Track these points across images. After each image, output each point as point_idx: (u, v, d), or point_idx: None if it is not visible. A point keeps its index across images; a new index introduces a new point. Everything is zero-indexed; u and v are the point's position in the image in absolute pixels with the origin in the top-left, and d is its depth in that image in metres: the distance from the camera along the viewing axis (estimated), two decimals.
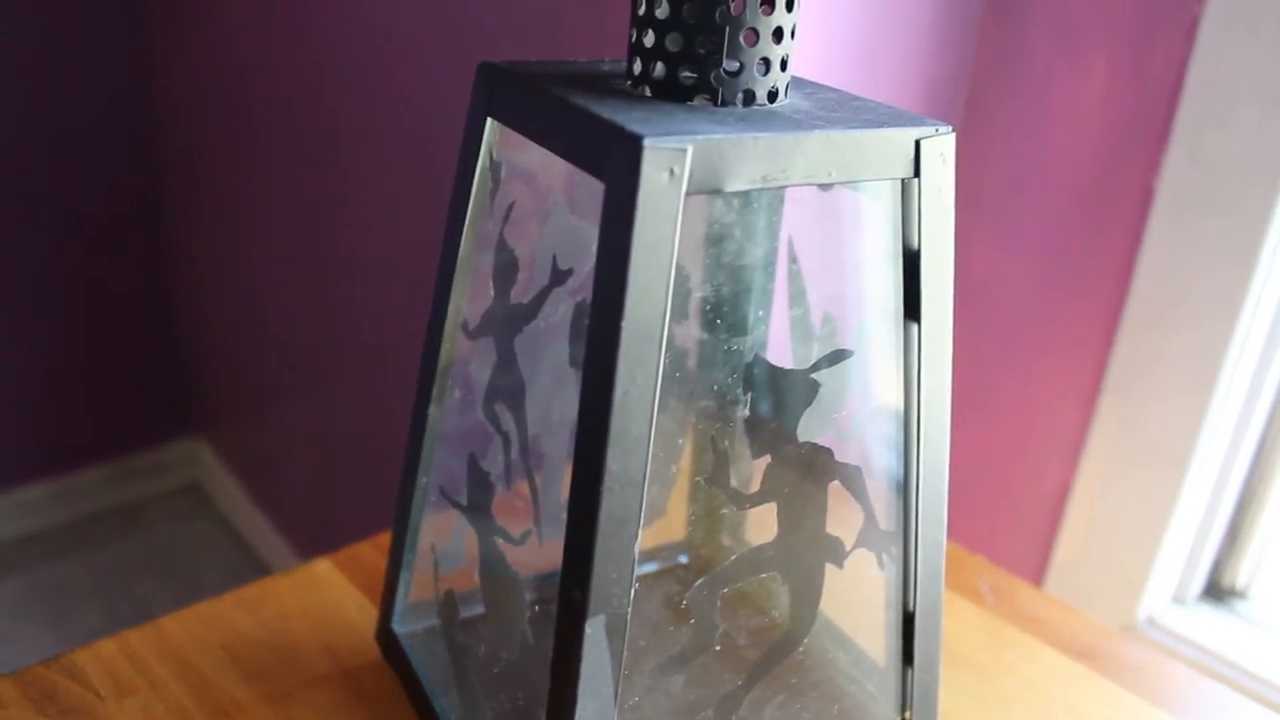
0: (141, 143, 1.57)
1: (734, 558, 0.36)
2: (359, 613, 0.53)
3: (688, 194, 0.31)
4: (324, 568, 0.56)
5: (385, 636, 0.49)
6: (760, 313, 0.35)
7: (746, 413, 0.35)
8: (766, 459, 0.36)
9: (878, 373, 0.39)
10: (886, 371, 0.39)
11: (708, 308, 0.34)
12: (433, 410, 0.43)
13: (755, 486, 0.36)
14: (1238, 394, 0.72)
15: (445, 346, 0.42)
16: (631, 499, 0.32)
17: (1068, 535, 0.79)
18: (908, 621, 0.43)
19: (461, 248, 0.41)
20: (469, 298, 0.41)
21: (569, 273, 0.35)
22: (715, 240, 0.33)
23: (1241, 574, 0.78)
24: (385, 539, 0.57)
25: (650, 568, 0.49)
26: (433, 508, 0.45)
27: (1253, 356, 0.71)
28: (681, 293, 0.33)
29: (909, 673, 0.44)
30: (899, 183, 0.37)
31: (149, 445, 1.71)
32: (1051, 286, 0.77)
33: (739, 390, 0.35)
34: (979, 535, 0.85)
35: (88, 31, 1.48)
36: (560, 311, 0.36)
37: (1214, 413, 0.72)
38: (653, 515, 0.45)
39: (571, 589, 0.33)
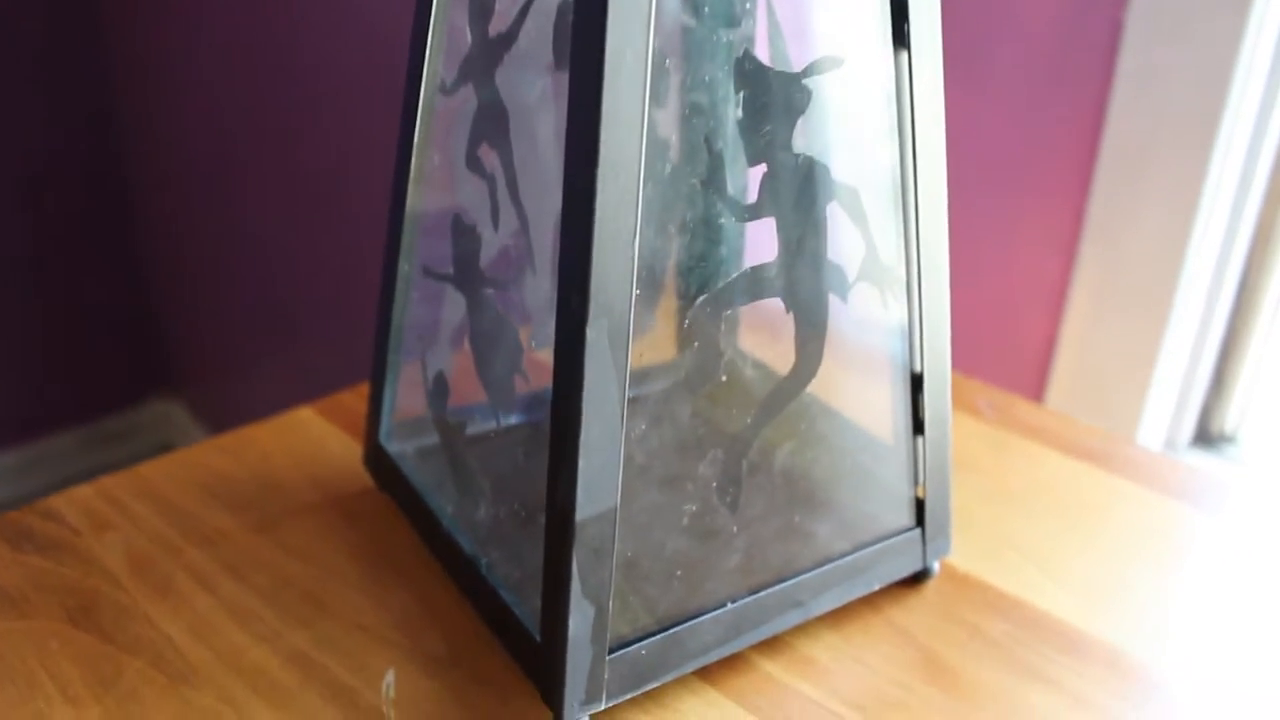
0: (100, 99, 1.54)
1: (735, 275, 0.35)
2: (344, 449, 0.52)
3: None
4: (306, 414, 0.54)
5: (373, 454, 0.47)
6: (748, 6, 0.34)
7: (740, 114, 0.34)
8: (762, 168, 0.35)
9: (870, 102, 0.38)
10: (878, 103, 0.38)
11: None
12: (411, 190, 0.42)
13: (753, 198, 0.35)
14: (1215, 234, 0.72)
15: (421, 117, 0.41)
16: (627, 188, 0.31)
17: (1056, 386, 0.78)
18: (916, 384, 0.42)
19: (435, 6, 0.39)
20: (444, 58, 0.40)
21: None
22: None
23: (1230, 419, 0.77)
24: (366, 387, 0.55)
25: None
26: (417, 300, 0.43)
27: (1229, 194, 0.71)
28: None
29: (919, 443, 0.43)
30: None
31: (121, 408, 1.68)
32: (1026, 136, 0.76)
33: (730, 87, 0.34)
34: None
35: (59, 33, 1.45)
36: (541, 26, 0.35)
37: (1192, 255, 0.72)
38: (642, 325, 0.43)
39: (570, 295, 0.32)
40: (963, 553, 0.47)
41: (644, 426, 0.36)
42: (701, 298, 0.35)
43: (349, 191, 1.20)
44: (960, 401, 0.58)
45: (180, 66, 1.41)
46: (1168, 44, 0.69)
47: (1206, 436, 0.78)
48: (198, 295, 1.55)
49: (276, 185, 1.31)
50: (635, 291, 0.32)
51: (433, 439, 0.45)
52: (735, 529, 0.38)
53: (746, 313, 0.37)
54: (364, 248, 1.17)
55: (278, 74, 1.25)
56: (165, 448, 1.69)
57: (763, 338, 0.39)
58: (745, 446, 0.38)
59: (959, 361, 0.83)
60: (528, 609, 0.37)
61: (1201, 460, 0.76)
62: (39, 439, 1.62)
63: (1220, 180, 0.70)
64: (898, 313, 0.40)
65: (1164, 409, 0.76)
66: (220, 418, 1.61)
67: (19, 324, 1.54)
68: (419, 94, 0.40)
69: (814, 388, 0.38)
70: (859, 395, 0.42)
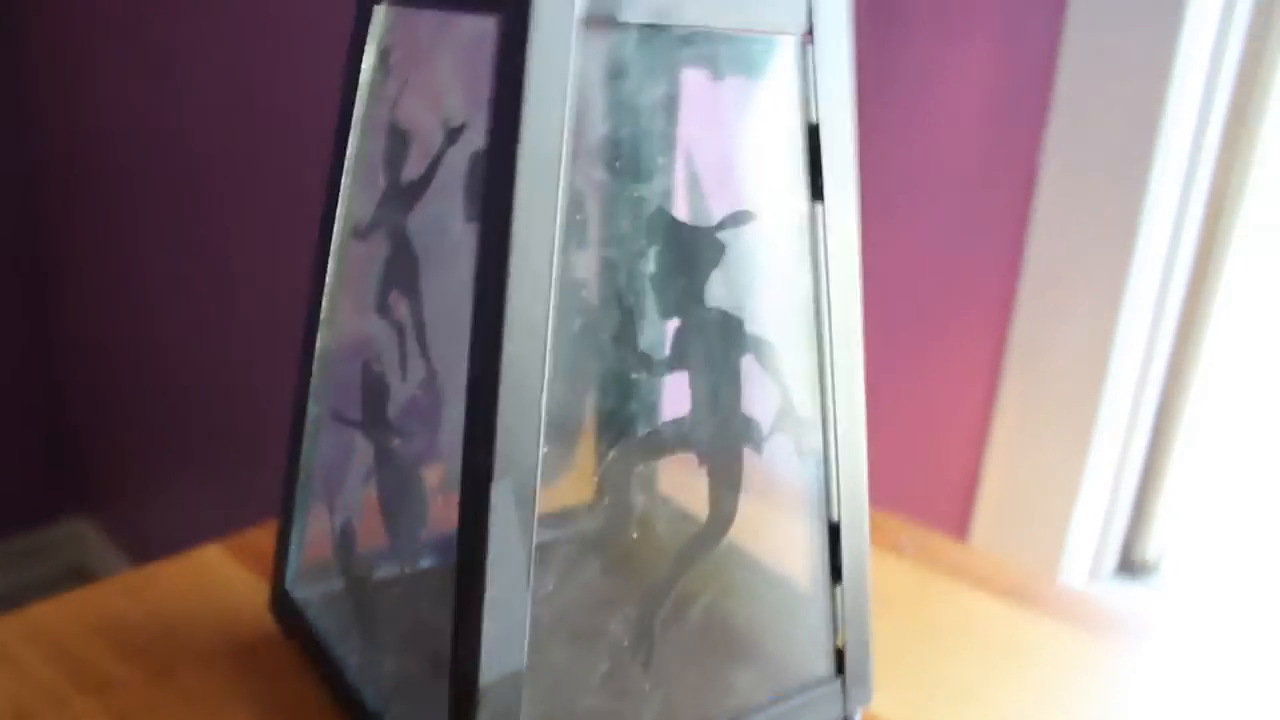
0: (19, 204, 1.51)
1: (646, 431, 0.35)
2: (251, 592, 0.50)
3: (581, 20, 0.30)
4: (213, 552, 0.52)
5: (279, 600, 0.45)
6: (661, 160, 0.34)
7: (653, 268, 0.34)
8: (676, 322, 0.34)
9: (785, 254, 0.38)
10: (793, 255, 0.38)
11: (607, 146, 0.33)
12: (321, 331, 0.41)
13: (666, 352, 0.35)
14: (1132, 362, 0.73)
15: (334, 259, 0.40)
16: (535, 344, 0.30)
17: (980, 518, 0.78)
18: (833, 533, 0.41)
19: (351, 148, 0.39)
20: (361, 202, 0.40)
21: (461, 129, 0.34)
22: (613, 76, 0.33)
23: (1152, 547, 0.78)
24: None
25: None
26: (325, 442, 0.42)
27: (1144, 324, 0.73)
28: (578, 133, 0.32)
29: (838, 591, 0.42)
30: (799, 61, 0.37)
31: (33, 525, 1.62)
32: (947, 271, 0.77)
33: (643, 243, 0.34)
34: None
35: None
36: (453, 177, 0.34)
37: (1110, 385, 0.73)
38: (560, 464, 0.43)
39: (475, 453, 0.31)
40: (885, 698, 0.46)
41: (552, 585, 0.35)
42: (611, 454, 0.34)
43: (277, 319, 1.19)
44: (882, 540, 0.58)
45: (99, 183, 1.40)
46: (1082, 179, 0.71)
47: (1130, 565, 0.78)
48: (117, 415, 1.52)
49: (203, 307, 1.29)
50: (542, 449, 0.31)
51: (339, 585, 0.43)
52: (648, 686, 0.37)
53: (668, 460, 0.37)
54: (287, 380, 1.15)
55: (203, 191, 1.25)
56: (77, 568, 1.64)
57: (683, 483, 0.39)
58: (660, 600, 0.37)
59: (881, 496, 0.84)
60: None
61: (1125, 589, 0.76)
62: None
63: (1135, 311, 0.72)
64: (814, 463, 0.40)
65: (1088, 539, 0.76)
66: (134, 540, 1.56)
67: None
68: (332, 235, 0.40)
69: (732, 535, 0.38)
70: (777, 544, 0.42)
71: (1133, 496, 0.77)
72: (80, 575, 1.62)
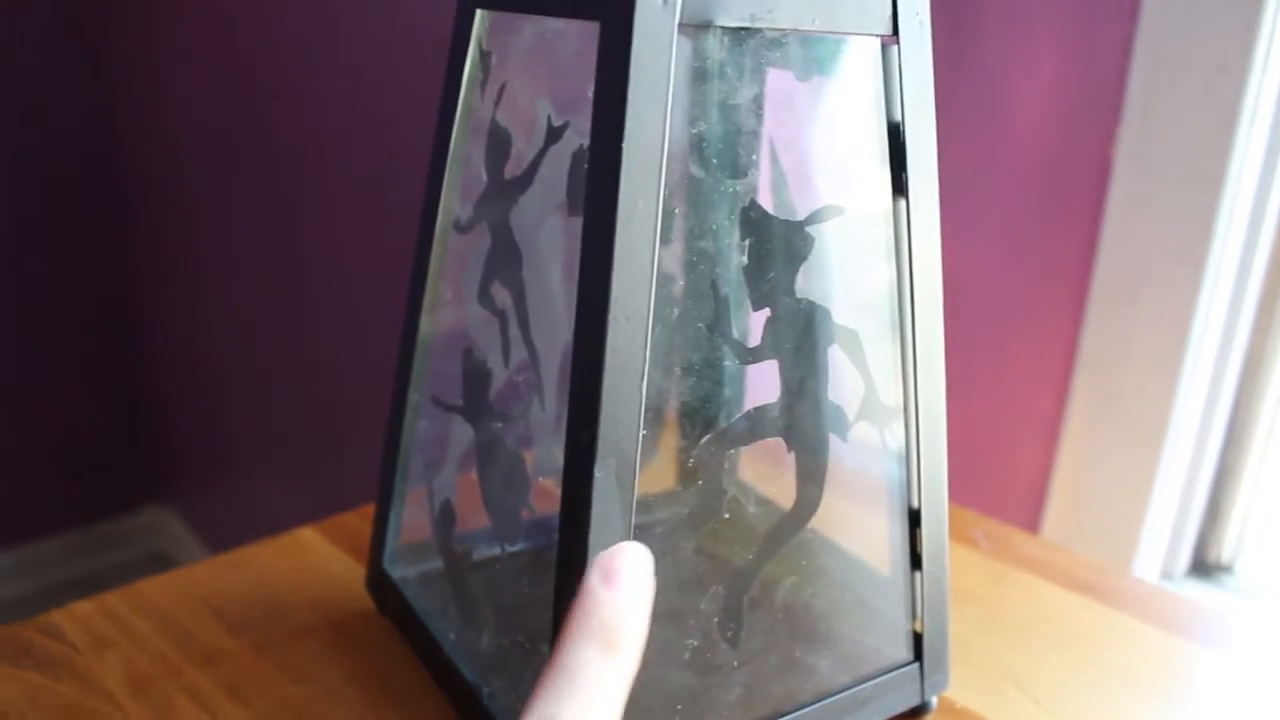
0: (106, 210, 1.57)
1: (737, 416, 0.36)
2: (346, 572, 0.52)
3: (679, 25, 0.32)
4: (308, 534, 0.55)
5: (376, 578, 0.48)
6: (752, 156, 0.35)
7: (745, 260, 0.35)
8: (766, 312, 0.36)
9: (869, 248, 0.39)
10: (877, 249, 0.39)
11: (702, 144, 0.35)
12: (422, 321, 0.43)
13: (756, 341, 0.36)
14: (1207, 363, 0.73)
15: (435, 251, 0.42)
16: (637, 331, 0.32)
17: (1051, 517, 0.79)
18: (913, 519, 0.42)
19: (452, 147, 0.41)
20: (459, 197, 0.42)
21: (564, 127, 0.36)
22: (708, 77, 0.34)
23: (1226, 548, 0.78)
24: (372, 510, 0.55)
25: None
26: (425, 429, 0.44)
27: (1219, 323, 0.73)
28: (675, 130, 0.33)
29: (917, 577, 0.43)
30: (879, 62, 0.38)
31: (116, 514, 1.67)
32: (1019, 271, 0.78)
33: (736, 235, 0.35)
34: None
35: (51, 96, 1.49)
36: (555, 173, 0.36)
37: (1185, 385, 0.73)
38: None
39: (579, 432, 0.33)
40: (960, 686, 0.47)
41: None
42: (705, 438, 0.36)
43: (355, 311, 1.22)
44: (957, 533, 0.58)
45: (188, 177, 1.44)
46: (1156, 180, 0.71)
47: (1203, 566, 0.78)
48: (198, 408, 1.56)
49: (283, 301, 1.33)
50: (643, 431, 0.33)
51: (436, 565, 0.45)
52: (736, 663, 0.39)
53: (750, 447, 0.38)
54: (369, 371, 1.18)
55: (285, 184, 1.28)
56: (158, 555, 1.68)
57: (766, 471, 0.40)
58: (747, 581, 0.38)
59: (955, 492, 0.84)
60: None
61: (1198, 591, 0.76)
62: (29, 542, 1.61)
63: (1210, 310, 0.72)
64: (896, 450, 0.41)
65: (1160, 539, 0.76)
66: (214, 528, 1.61)
67: (16, 426, 1.54)
68: (434, 228, 0.42)
69: (815, 522, 0.39)
70: (859, 530, 0.43)
71: (1207, 496, 0.77)
72: (160, 561, 1.66)
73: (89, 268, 1.56)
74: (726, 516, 0.37)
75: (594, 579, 0.30)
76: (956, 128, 0.79)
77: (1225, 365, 0.74)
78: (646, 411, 0.33)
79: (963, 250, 0.80)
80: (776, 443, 0.38)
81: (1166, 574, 0.77)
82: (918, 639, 0.43)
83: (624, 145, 0.31)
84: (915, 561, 0.43)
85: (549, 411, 0.38)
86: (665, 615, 0.38)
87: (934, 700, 0.45)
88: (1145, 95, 0.70)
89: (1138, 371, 0.74)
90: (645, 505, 0.39)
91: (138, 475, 1.68)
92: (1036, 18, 0.74)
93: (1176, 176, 0.70)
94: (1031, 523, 0.80)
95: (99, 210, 1.55)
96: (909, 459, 0.41)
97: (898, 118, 0.38)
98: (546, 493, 0.40)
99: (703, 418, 0.36)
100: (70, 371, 1.58)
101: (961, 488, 0.84)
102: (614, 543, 0.33)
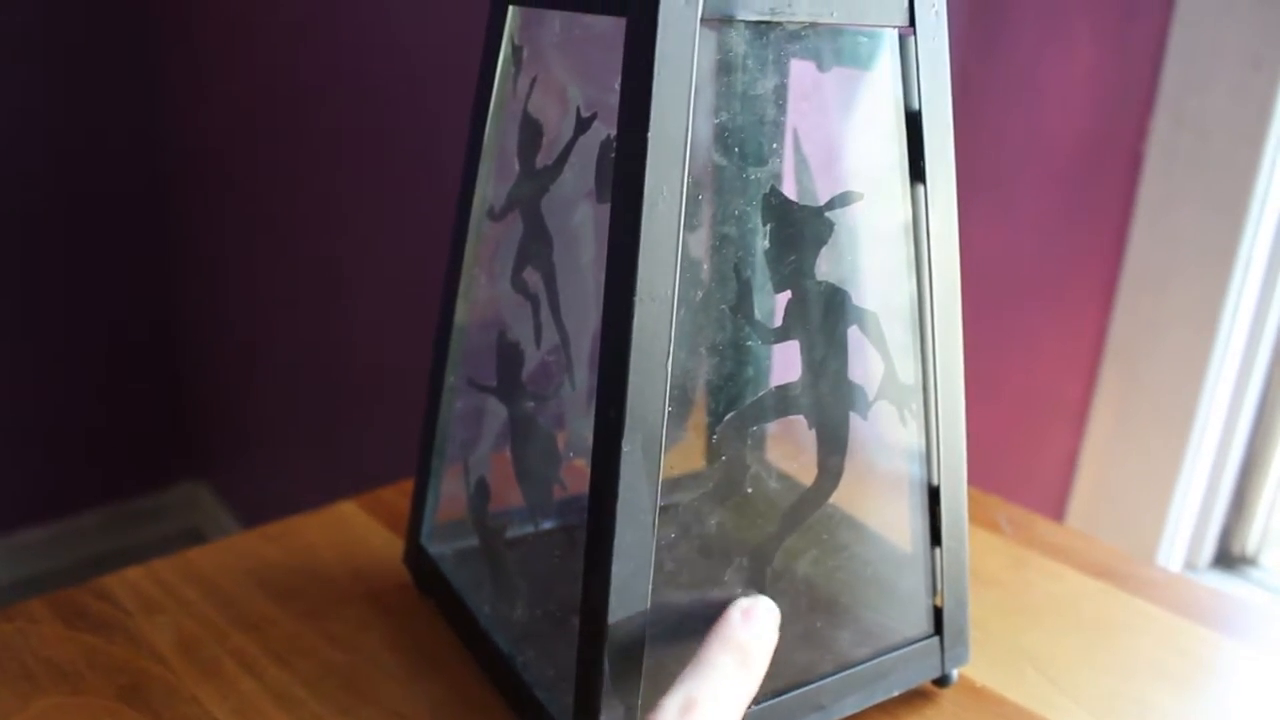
0: (146, 190, 1.60)
1: (761, 394, 0.38)
2: (385, 545, 0.54)
3: (702, 20, 0.33)
4: (349, 508, 0.57)
5: (414, 554, 0.49)
6: (773, 145, 0.37)
7: (767, 244, 0.37)
8: (787, 295, 0.37)
9: (888, 232, 0.41)
10: (896, 233, 0.41)
11: (725, 133, 0.36)
12: (459, 305, 0.45)
13: (779, 322, 0.38)
14: (1235, 355, 0.74)
15: (470, 238, 0.44)
16: (662, 312, 0.34)
17: (1077, 506, 0.79)
18: (933, 496, 0.44)
19: (486, 137, 0.43)
20: (493, 186, 0.43)
21: (593, 118, 0.37)
22: (730, 69, 0.36)
23: (1251, 540, 0.78)
24: (409, 485, 0.57)
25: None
26: (460, 409, 0.46)
27: (1247, 315, 0.73)
28: (699, 120, 0.35)
29: (937, 553, 0.44)
30: (897, 52, 0.39)
31: (148, 489, 1.70)
32: (1050, 260, 0.79)
33: (758, 220, 0.37)
34: None
35: (96, 87, 1.52)
36: (584, 162, 0.38)
37: (1212, 377, 0.74)
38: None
39: (607, 409, 0.34)
40: (980, 665, 0.48)
41: (674, 534, 0.38)
42: (729, 415, 0.37)
43: (387, 292, 1.24)
44: (980, 518, 0.59)
45: (226, 162, 1.47)
46: (1188, 172, 0.72)
47: (1227, 558, 0.79)
48: (232, 385, 1.60)
49: (316, 280, 1.35)
50: (668, 408, 0.34)
51: (471, 542, 0.47)
52: None
53: (772, 426, 0.40)
54: (400, 349, 1.20)
55: (325, 170, 1.31)
56: (191, 531, 1.72)
57: (788, 449, 0.41)
58: (769, 555, 0.40)
59: (981, 478, 0.85)
60: (560, 706, 0.39)
61: (1222, 582, 0.77)
62: (65, 517, 1.65)
63: (1239, 302, 0.72)
64: (916, 429, 0.42)
65: (1184, 529, 0.77)
66: (248, 504, 1.64)
67: (51, 403, 1.58)
68: (469, 216, 0.44)
69: (836, 498, 0.41)
70: (879, 506, 0.44)
71: (1232, 488, 0.77)
72: (194, 537, 1.70)
73: (126, 246, 1.59)
74: (749, 491, 0.38)
75: (735, 614, 0.37)
76: (988, 117, 0.80)
77: (1253, 358, 0.74)
78: (673, 391, 0.35)
79: (993, 239, 0.81)
80: (798, 421, 0.39)
81: (1190, 565, 0.78)
82: (938, 613, 0.45)
83: (649, 135, 0.32)
84: (935, 538, 0.44)
85: (579, 391, 0.39)
86: (690, 586, 0.39)
87: (954, 673, 0.46)
88: (1178, 88, 0.71)
89: (1165, 362, 0.75)
90: (672, 483, 0.40)
91: (172, 451, 1.71)
92: (1071, 9, 0.74)
93: (1208, 170, 0.71)
94: (1056, 512, 0.81)
95: (139, 192, 1.58)
96: (928, 437, 0.42)
97: (915, 106, 0.39)
98: (578, 472, 0.42)
99: (726, 396, 0.38)
100: (106, 349, 1.61)
101: (987, 474, 0.85)
102: (641, 514, 0.35)
